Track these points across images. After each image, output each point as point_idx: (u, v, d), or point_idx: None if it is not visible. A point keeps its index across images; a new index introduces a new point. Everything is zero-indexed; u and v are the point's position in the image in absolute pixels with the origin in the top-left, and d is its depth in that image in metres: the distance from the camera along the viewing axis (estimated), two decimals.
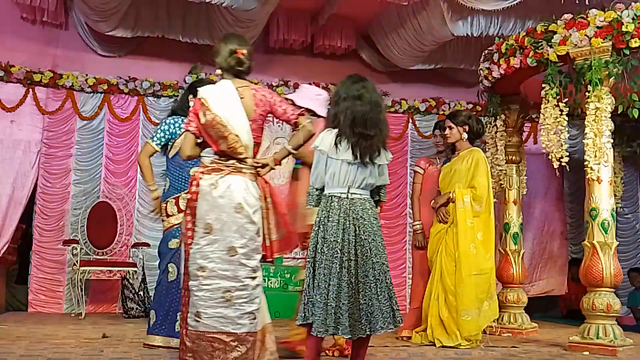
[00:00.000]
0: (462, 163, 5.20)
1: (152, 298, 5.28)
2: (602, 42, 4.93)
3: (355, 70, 8.13)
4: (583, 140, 5.12)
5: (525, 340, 5.57)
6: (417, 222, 5.63)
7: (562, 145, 5.18)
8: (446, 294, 5.00)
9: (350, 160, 3.38)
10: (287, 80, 7.98)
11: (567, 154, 5.21)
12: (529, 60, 5.37)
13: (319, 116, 4.30)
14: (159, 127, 4.65)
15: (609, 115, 5.02)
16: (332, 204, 3.38)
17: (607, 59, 4.95)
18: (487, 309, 5.00)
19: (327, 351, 4.37)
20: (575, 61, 5.11)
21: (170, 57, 7.80)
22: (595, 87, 4.97)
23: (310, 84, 6.23)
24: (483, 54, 6.09)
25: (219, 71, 3.58)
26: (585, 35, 4.99)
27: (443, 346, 4.89)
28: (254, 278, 3.41)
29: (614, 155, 5.47)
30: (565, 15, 5.18)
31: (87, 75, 7.48)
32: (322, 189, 3.48)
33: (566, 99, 5.23)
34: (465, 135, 5.26)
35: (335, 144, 3.39)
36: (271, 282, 7.15)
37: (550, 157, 5.24)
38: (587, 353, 4.82)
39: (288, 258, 7.09)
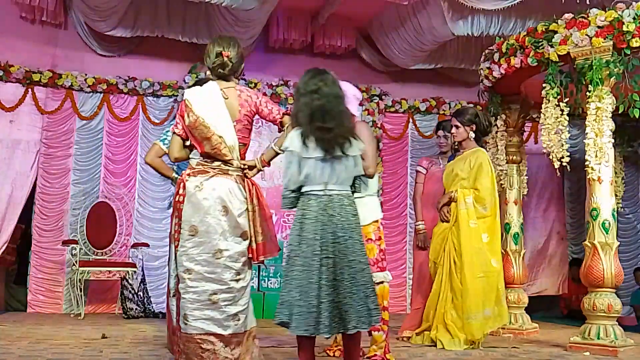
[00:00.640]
0: (464, 163, 5.17)
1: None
2: (602, 42, 4.91)
3: (356, 70, 8.22)
4: (584, 140, 5.11)
5: (526, 341, 5.55)
6: (419, 222, 5.62)
7: (562, 145, 5.16)
8: (454, 293, 4.97)
9: (322, 156, 3.30)
10: (287, 80, 7.97)
11: (568, 153, 5.20)
12: (529, 60, 5.36)
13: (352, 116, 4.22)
14: (167, 129, 4.62)
15: (610, 115, 5.00)
16: (310, 202, 3.31)
17: (608, 58, 4.93)
18: (495, 314, 4.93)
19: (327, 351, 4.36)
20: (576, 61, 5.09)
21: (169, 56, 7.80)
22: (596, 87, 4.96)
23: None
24: (484, 53, 6.07)
25: (208, 72, 3.59)
26: (586, 34, 4.98)
27: (444, 348, 4.86)
28: (238, 280, 3.41)
29: (614, 155, 5.45)
30: (566, 15, 5.16)
31: (86, 74, 7.48)
32: (297, 190, 3.38)
33: (567, 99, 5.21)
34: (472, 134, 5.21)
35: (304, 143, 3.31)
36: (271, 283, 7.14)
37: (551, 157, 5.22)
38: (587, 353, 4.80)
39: None
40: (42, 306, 7.15)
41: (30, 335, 5.08)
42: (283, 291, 3.29)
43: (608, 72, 4.93)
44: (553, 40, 5.16)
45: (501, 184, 6.21)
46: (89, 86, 7.47)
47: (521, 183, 6.38)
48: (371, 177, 3.98)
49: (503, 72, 5.70)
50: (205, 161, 3.47)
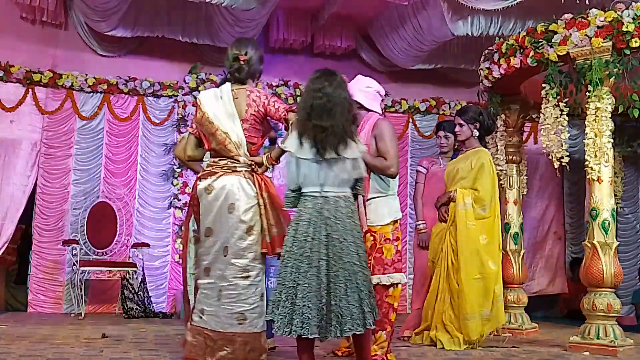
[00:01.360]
0: (465, 163, 5.17)
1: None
2: (602, 42, 4.92)
3: (356, 70, 8.19)
4: (583, 140, 5.11)
5: (526, 341, 5.56)
6: (420, 222, 5.62)
7: (562, 145, 5.17)
8: (451, 294, 4.97)
9: (315, 158, 3.25)
10: (287, 80, 7.98)
11: (568, 154, 5.20)
12: (529, 60, 5.36)
13: (368, 110, 4.17)
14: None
15: (610, 115, 5.01)
16: (306, 203, 3.29)
17: (607, 58, 4.93)
18: (490, 315, 4.91)
19: (336, 351, 4.34)
20: (575, 61, 5.10)
21: (170, 57, 7.80)
22: (596, 87, 4.96)
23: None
24: (483, 53, 6.07)
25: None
26: (586, 35, 4.98)
27: (443, 348, 4.87)
28: (245, 278, 3.44)
29: (614, 155, 5.44)
30: (566, 15, 5.16)
31: (86, 75, 7.48)
32: (298, 190, 3.36)
33: (566, 99, 5.21)
34: (476, 133, 5.19)
35: (300, 142, 3.28)
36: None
37: (550, 157, 5.22)
38: (587, 353, 4.81)
39: None
40: (42, 306, 7.15)
41: (31, 335, 5.09)
42: (275, 290, 3.30)
43: (607, 72, 4.94)
44: (553, 40, 5.16)
45: (501, 184, 6.22)
46: (89, 86, 7.48)
47: (521, 183, 6.39)
48: (393, 176, 3.98)
49: (503, 72, 5.71)
50: (214, 161, 3.59)
